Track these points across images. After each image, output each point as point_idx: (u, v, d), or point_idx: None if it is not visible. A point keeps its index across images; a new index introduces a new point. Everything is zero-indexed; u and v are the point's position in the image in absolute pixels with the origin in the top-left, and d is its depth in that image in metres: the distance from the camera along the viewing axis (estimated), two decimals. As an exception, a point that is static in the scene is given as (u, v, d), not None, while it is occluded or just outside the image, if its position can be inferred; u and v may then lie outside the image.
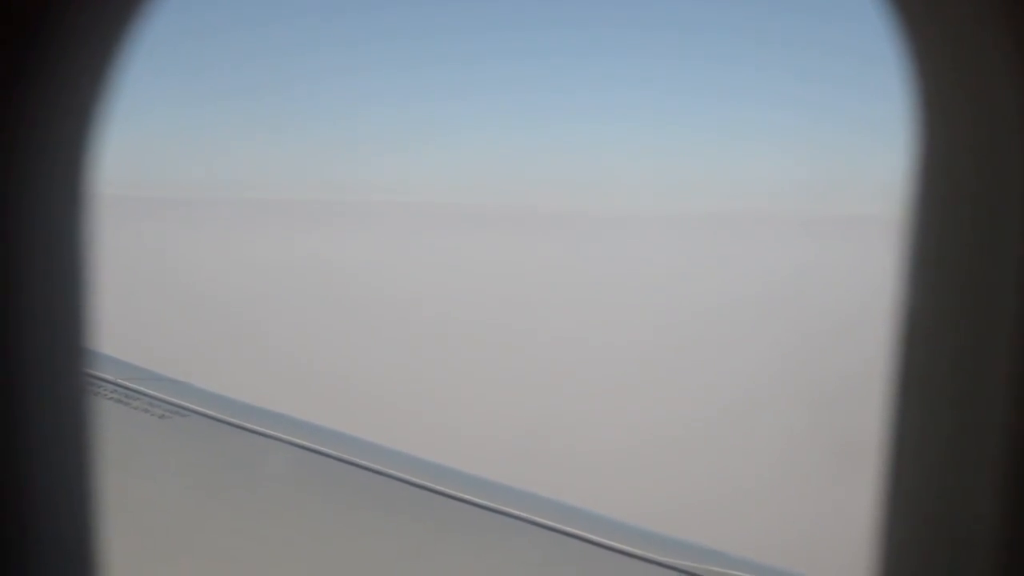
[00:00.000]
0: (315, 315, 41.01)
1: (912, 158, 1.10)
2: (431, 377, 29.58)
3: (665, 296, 51.57)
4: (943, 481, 1.07)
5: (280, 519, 4.34)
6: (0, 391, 1.04)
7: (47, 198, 1.09)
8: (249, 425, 5.26)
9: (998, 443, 0.97)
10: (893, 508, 1.15)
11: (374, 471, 4.70)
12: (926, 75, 1.08)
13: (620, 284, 57.05)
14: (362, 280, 54.54)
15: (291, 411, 5.92)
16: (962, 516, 1.03)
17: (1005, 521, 0.97)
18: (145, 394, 5.53)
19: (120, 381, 5.66)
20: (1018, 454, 0.96)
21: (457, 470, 5.02)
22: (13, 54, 1.00)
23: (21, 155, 1.04)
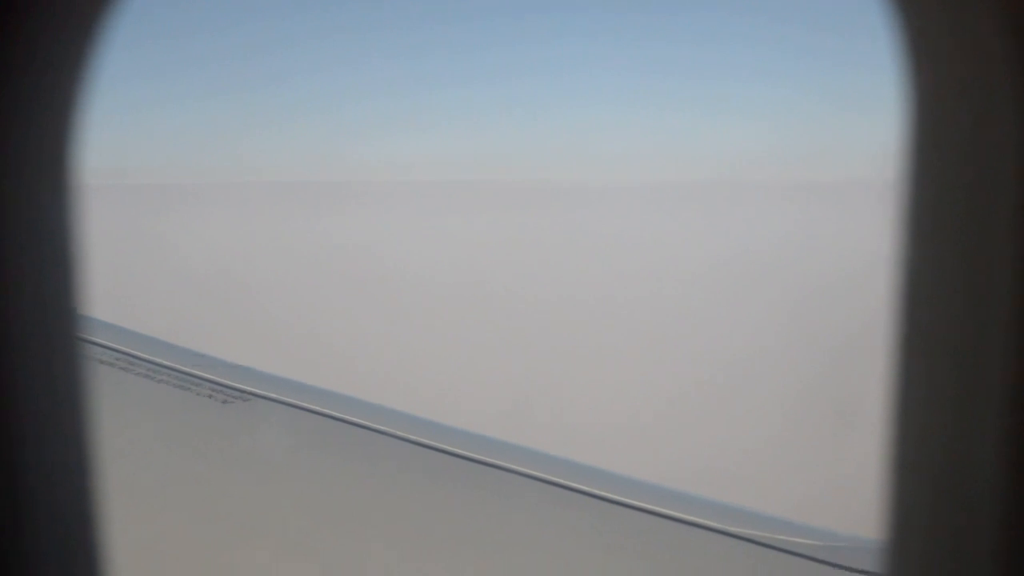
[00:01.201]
0: (333, 294, 40.98)
1: (907, 127, 1.14)
2: (459, 354, 29.52)
3: (664, 263, 51.42)
4: (948, 440, 1.09)
5: (351, 499, 4.42)
6: None
7: (34, 188, 1.09)
8: (311, 406, 5.35)
9: (1001, 401, 0.99)
10: (900, 467, 1.17)
11: (442, 451, 4.80)
12: (920, 49, 1.10)
13: (623, 253, 56.83)
14: (376, 258, 54.42)
15: (340, 389, 6.00)
16: (967, 472, 1.05)
17: (1010, 476, 0.99)
18: (207, 380, 5.62)
19: (182, 368, 5.75)
20: (1020, 411, 0.98)
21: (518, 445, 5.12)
22: None
23: (6, 146, 1.03)
